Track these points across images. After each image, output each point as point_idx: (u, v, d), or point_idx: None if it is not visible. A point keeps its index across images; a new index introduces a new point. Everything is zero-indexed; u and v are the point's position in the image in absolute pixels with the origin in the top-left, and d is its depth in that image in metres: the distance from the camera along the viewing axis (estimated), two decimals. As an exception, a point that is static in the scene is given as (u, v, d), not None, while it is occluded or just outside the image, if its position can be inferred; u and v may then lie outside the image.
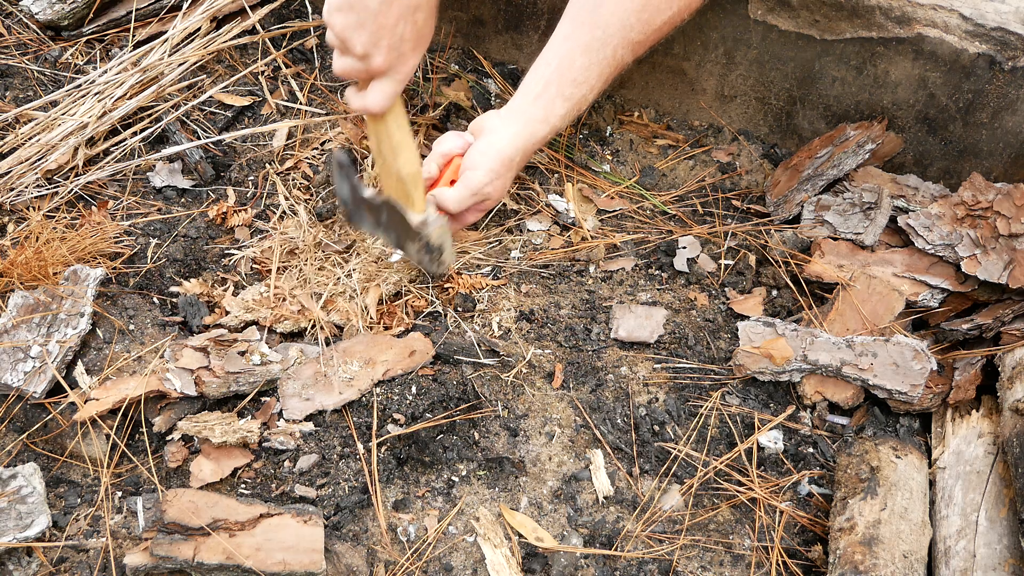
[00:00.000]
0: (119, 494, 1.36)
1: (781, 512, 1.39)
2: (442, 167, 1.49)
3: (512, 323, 1.55)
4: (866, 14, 1.57)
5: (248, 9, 1.90)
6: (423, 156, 1.54)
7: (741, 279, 1.64)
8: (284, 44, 1.93)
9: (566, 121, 1.48)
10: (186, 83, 1.84)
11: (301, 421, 1.41)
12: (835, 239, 1.60)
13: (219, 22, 1.91)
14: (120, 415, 1.38)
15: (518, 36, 1.87)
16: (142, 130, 1.76)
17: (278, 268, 1.58)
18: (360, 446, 1.40)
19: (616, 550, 1.34)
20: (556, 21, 1.81)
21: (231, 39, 1.89)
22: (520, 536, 1.35)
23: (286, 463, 1.39)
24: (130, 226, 1.64)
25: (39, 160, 1.68)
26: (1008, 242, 1.50)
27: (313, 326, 1.52)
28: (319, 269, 1.57)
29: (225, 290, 1.55)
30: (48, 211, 1.63)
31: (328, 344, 1.51)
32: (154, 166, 1.74)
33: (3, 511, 1.27)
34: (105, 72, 1.80)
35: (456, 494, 1.39)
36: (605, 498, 1.39)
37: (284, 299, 1.53)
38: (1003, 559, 1.26)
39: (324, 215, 1.66)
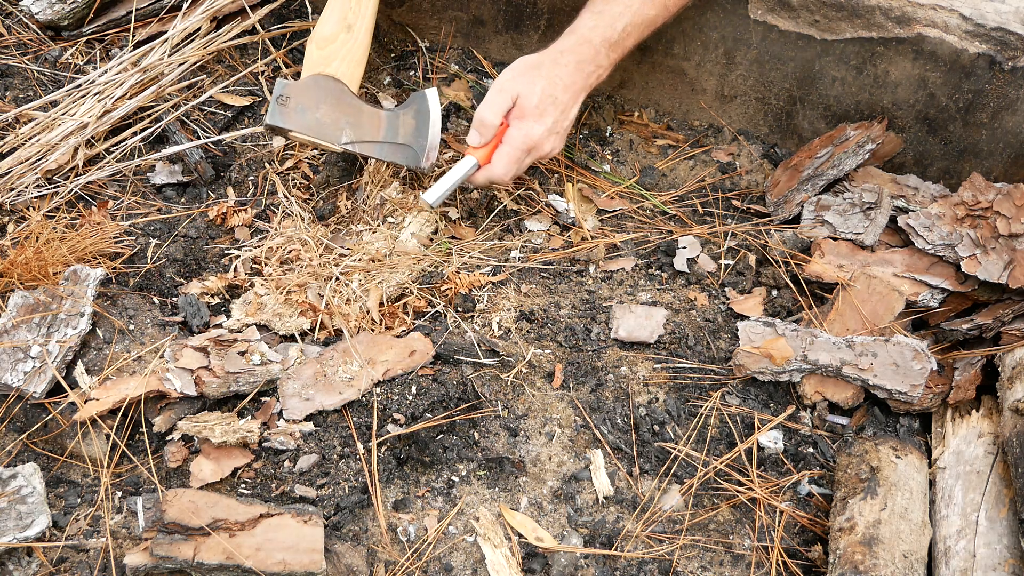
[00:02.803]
0: (119, 494, 1.36)
1: (781, 512, 1.39)
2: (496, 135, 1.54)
3: (512, 323, 1.55)
4: (866, 14, 1.57)
5: (248, 9, 1.90)
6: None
7: (741, 279, 1.64)
8: (284, 44, 1.93)
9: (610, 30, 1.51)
10: (186, 83, 1.84)
11: (301, 421, 1.41)
12: (835, 239, 1.60)
13: (219, 22, 1.91)
14: (120, 415, 1.38)
15: (518, 36, 1.87)
16: (142, 130, 1.77)
17: (280, 269, 1.58)
18: (360, 446, 1.40)
19: (616, 550, 1.34)
20: (556, 21, 1.81)
21: (231, 39, 1.89)
22: (520, 536, 1.35)
23: (286, 463, 1.39)
24: (130, 226, 1.64)
25: (39, 160, 1.68)
26: (1008, 242, 1.50)
27: (312, 329, 1.52)
28: (321, 267, 1.57)
29: (250, 285, 1.55)
30: (48, 211, 1.63)
31: (328, 344, 1.51)
32: (154, 166, 1.74)
33: (3, 511, 1.27)
34: (105, 72, 1.80)
35: (456, 494, 1.39)
36: (605, 498, 1.39)
37: (287, 300, 1.54)
38: (1003, 559, 1.26)
39: (325, 215, 1.66)
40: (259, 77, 1.88)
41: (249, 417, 1.42)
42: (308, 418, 1.42)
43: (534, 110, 1.48)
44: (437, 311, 1.55)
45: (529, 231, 1.69)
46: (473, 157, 1.53)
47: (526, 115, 1.49)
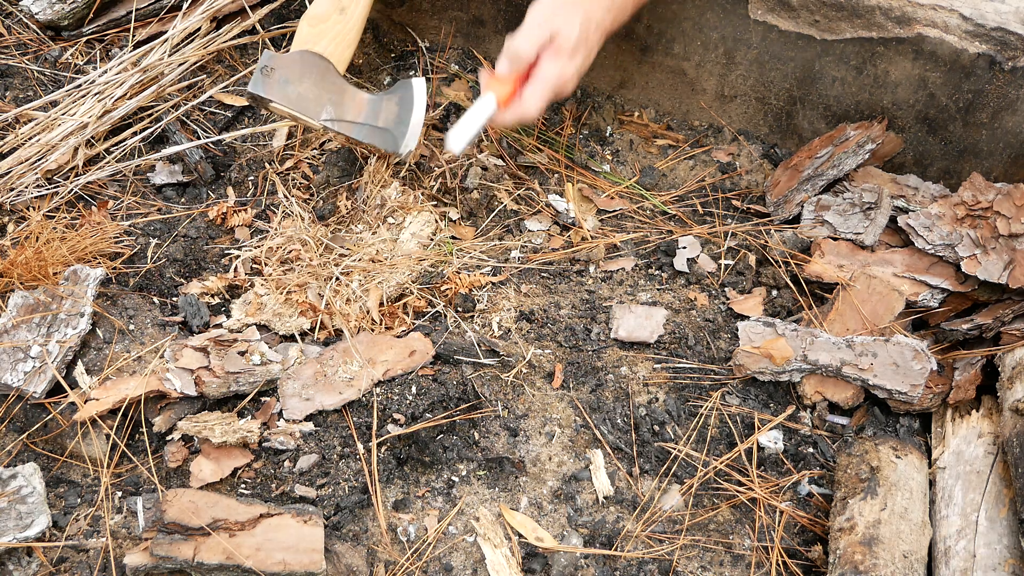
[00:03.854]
0: (119, 494, 1.36)
1: (781, 512, 1.39)
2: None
3: (512, 323, 1.55)
4: (866, 14, 1.57)
5: (248, 9, 1.90)
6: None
7: (741, 279, 1.64)
8: (284, 44, 1.93)
9: None
10: (186, 83, 1.84)
11: (301, 421, 1.42)
12: (835, 239, 1.60)
13: (219, 22, 1.91)
14: (120, 415, 1.38)
15: (518, 36, 1.87)
16: (142, 130, 1.77)
17: (280, 269, 1.58)
18: (360, 446, 1.40)
19: (616, 550, 1.34)
20: (556, 21, 1.79)
21: (231, 39, 1.89)
22: (520, 536, 1.35)
23: (286, 463, 1.39)
24: (130, 226, 1.64)
25: (39, 160, 1.68)
26: (1008, 242, 1.50)
27: (312, 329, 1.52)
28: (321, 267, 1.57)
29: (250, 285, 1.56)
30: (48, 211, 1.63)
31: (328, 344, 1.51)
32: (154, 166, 1.74)
33: (3, 511, 1.27)
34: (105, 72, 1.80)
35: (456, 494, 1.39)
36: (605, 498, 1.39)
37: (287, 300, 1.54)
38: (1003, 559, 1.26)
39: (325, 215, 1.66)
40: (259, 77, 1.87)
41: (249, 417, 1.42)
42: (308, 418, 1.42)
43: (571, 49, 1.42)
44: (437, 311, 1.55)
45: (529, 231, 1.69)
46: (492, 94, 1.46)
47: (562, 53, 1.42)
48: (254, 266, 1.60)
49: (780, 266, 1.62)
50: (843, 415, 1.51)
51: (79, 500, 1.36)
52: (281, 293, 1.54)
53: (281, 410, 1.43)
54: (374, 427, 1.41)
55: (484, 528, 1.35)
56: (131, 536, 1.32)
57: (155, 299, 1.55)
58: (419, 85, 1.59)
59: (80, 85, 1.79)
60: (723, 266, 1.65)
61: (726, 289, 1.63)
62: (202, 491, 1.32)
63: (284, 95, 1.53)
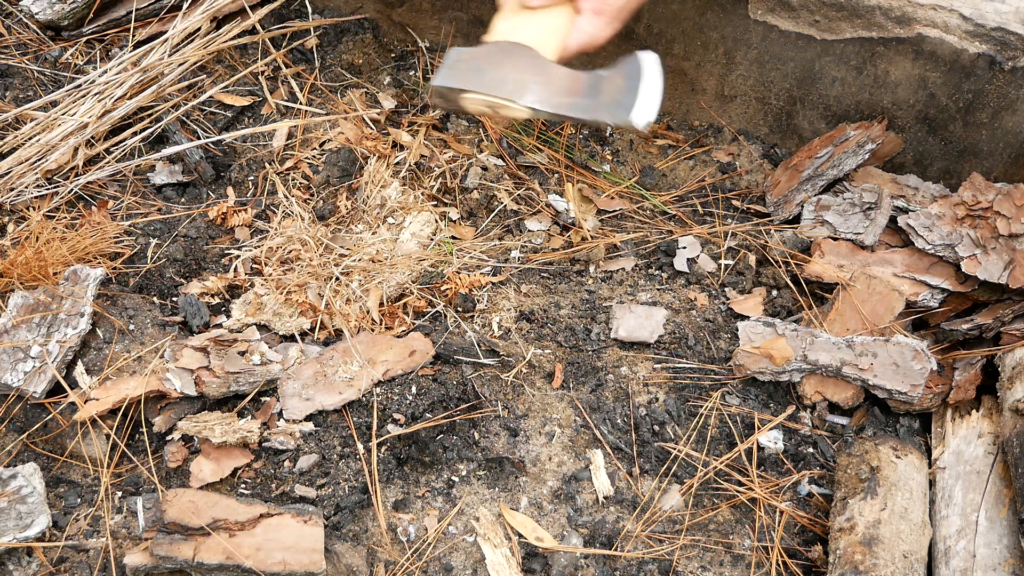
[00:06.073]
0: (119, 494, 1.36)
1: (781, 512, 1.39)
2: None
3: (512, 323, 1.55)
4: (866, 14, 1.57)
5: (248, 9, 1.90)
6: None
7: (741, 279, 1.64)
8: (284, 44, 1.93)
9: None
10: (186, 83, 1.84)
11: (301, 421, 1.42)
12: (835, 239, 1.60)
13: (219, 22, 1.91)
14: (120, 415, 1.38)
15: (518, 36, 1.87)
16: (142, 130, 1.77)
17: (280, 269, 1.58)
18: (360, 446, 1.40)
19: (616, 550, 1.34)
20: (556, 21, 1.79)
21: (231, 39, 1.89)
22: (520, 536, 1.35)
23: (286, 463, 1.39)
24: (130, 226, 1.64)
25: (39, 160, 1.68)
26: (1008, 242, 1.50)
27: (312, 329, 1.52)
28: (321, 267, 1.57)
29: (251, 285, 1.56)
30: (48, 211, 1.63)
31: (328, 344, 1.51)
32: (154, 166, 1.74)
33: (3, 511, 1.27)
34: (105, 72, 1.80)
35: (456, 494, 1.39)
36: (605, 498, 1.39)
37: (287, 300, 1.54)
38: (1003, 559, 1.26)
39: (325, 215, 1.66)
40: (259, 77, 1.88)
41: (249, 417, 1.42)
42: (308, 418, 1.42)
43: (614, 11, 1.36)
44: (437, 311, 1.55)
45: (529, 231, 1.69)
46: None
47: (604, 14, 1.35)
48: (254, 266, 1.60)
49: (780, 266, 1.62)
50: (843, 415, 1.51)
51: (79, 500, 1.36)
52: (281, 293, 1.54)
53: (281, 410, 1.43)
54: (374, 427, 1.41)
55: (484, 528, 1.35)
56: (131, 536, 1.32)
57: (155, 299, 1.55)
58: (649, 58, 1.33)
59: (80, 85, 1.79)
60: (723, 266, 1.65)
61: (726, 289, 1.63)
62: (202, 491, 1.32)
63: (479, 81, 1.31)
